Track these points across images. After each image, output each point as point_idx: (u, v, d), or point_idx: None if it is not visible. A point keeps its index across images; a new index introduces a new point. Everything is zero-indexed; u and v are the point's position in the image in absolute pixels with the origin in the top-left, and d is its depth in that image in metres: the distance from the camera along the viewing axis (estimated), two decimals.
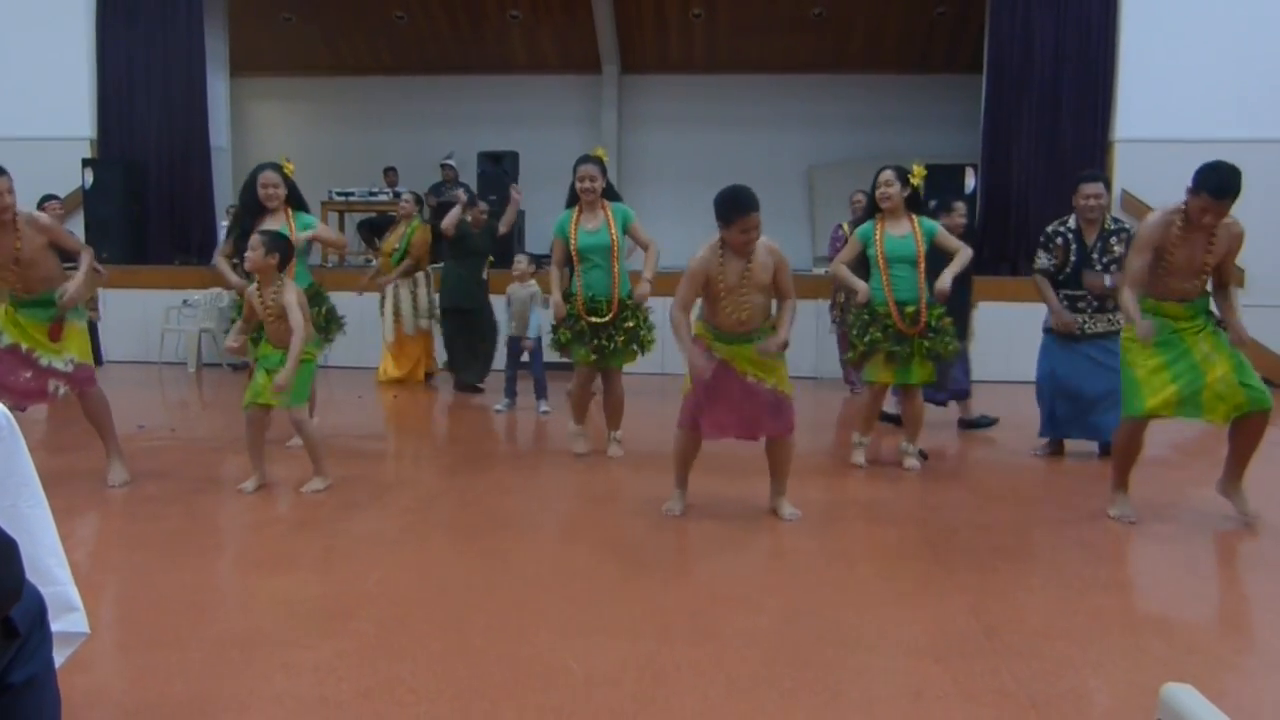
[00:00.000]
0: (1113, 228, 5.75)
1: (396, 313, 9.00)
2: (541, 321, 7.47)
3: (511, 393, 7.82)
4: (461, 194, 7.68)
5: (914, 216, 5.53)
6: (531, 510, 4.89)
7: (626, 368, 5.89)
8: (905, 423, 5.79)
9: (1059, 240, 5.78)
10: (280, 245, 4.80)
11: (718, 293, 4.29)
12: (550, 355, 6.65)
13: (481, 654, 2.88)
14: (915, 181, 5.54)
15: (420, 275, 9.10)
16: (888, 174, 5.53)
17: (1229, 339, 4.36)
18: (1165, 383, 4.35)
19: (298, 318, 4.70)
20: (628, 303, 5.67)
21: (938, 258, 5.52)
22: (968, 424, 7.12)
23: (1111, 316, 5.74)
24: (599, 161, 5.70)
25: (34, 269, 4.76)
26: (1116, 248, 5.66)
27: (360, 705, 2.53)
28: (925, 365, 5.52)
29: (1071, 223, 5.79)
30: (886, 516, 4.74)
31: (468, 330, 8.80)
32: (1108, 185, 5.87)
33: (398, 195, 10.05)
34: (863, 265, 5.60)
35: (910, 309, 5.46)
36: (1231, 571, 4.15)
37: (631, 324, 5.65)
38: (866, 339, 5.48)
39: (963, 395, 7.15)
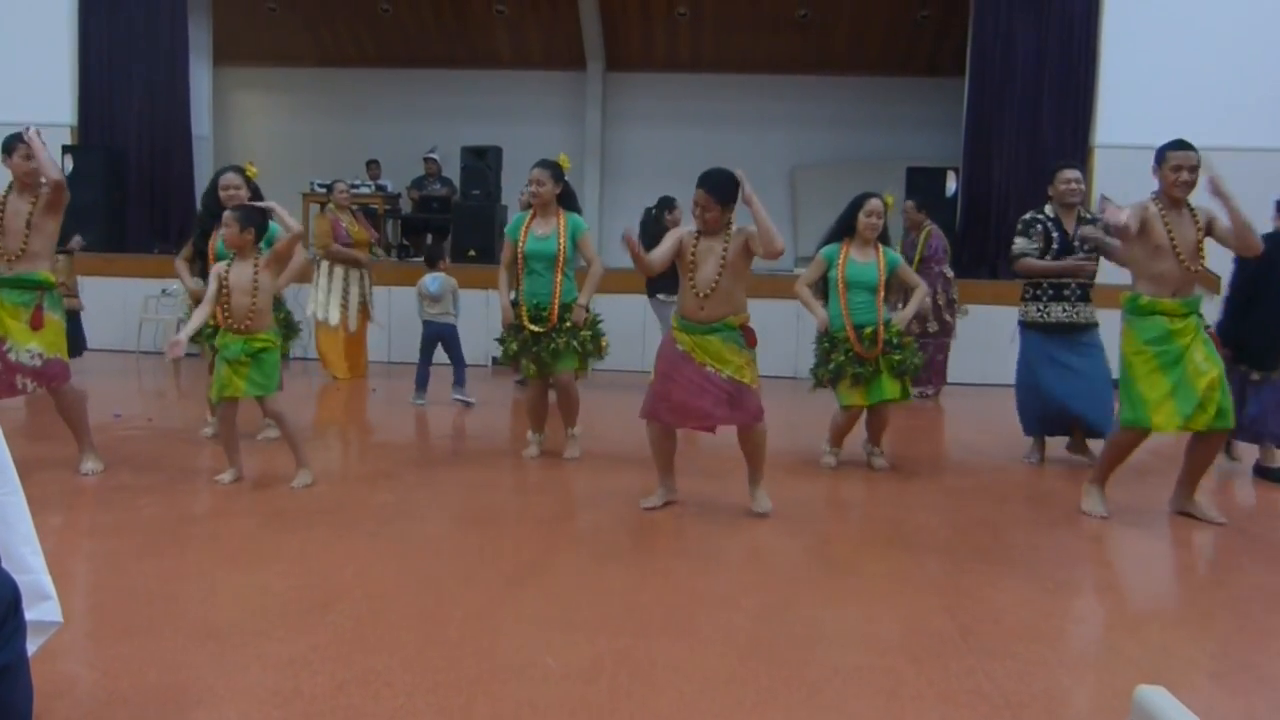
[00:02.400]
0: (1088, 217, 5.80)
1: (360, 304, 8.88)
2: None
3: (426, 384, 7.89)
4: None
5: (880, 246, 5.58)
6: (508, 506, 4.88)
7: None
8: (870, 431, 5.77)
9: (1038, 227, 5.75)
10: (254, 219, 4.79)
11: (687, 263, 4.40)
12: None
13: (457, 648, 2.88)
14: (886, 213, 5.60)
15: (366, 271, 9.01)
16: (879, 204, 5.53)
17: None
18: (1171, 407, 4.38)
19: (265, 283, 4.75)
20: (570, 306, 5.53)
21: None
22: (1266, 472, 5.75)
23: (1092, 307, 5.77)
24: (554, 166, 5.55)
25: (36, 234, 4.77)
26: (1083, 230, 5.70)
27: (335, 698, 2.52)
28: (894, 381, 5.54)
29: (1049, 210, 5.79)
30: (863, 516, 4.76)
31: None
32: (1084, 175, 5.88)
33: (326, 188, 9.75)
34: (822, 286, 5.66)
35: (868, 330, 5.50)
36: (1203, 574, 4.19)
37: (570, 324, 5.51)
38: (831, 365, 5.54)
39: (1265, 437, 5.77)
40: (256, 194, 5.83)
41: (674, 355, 4.44)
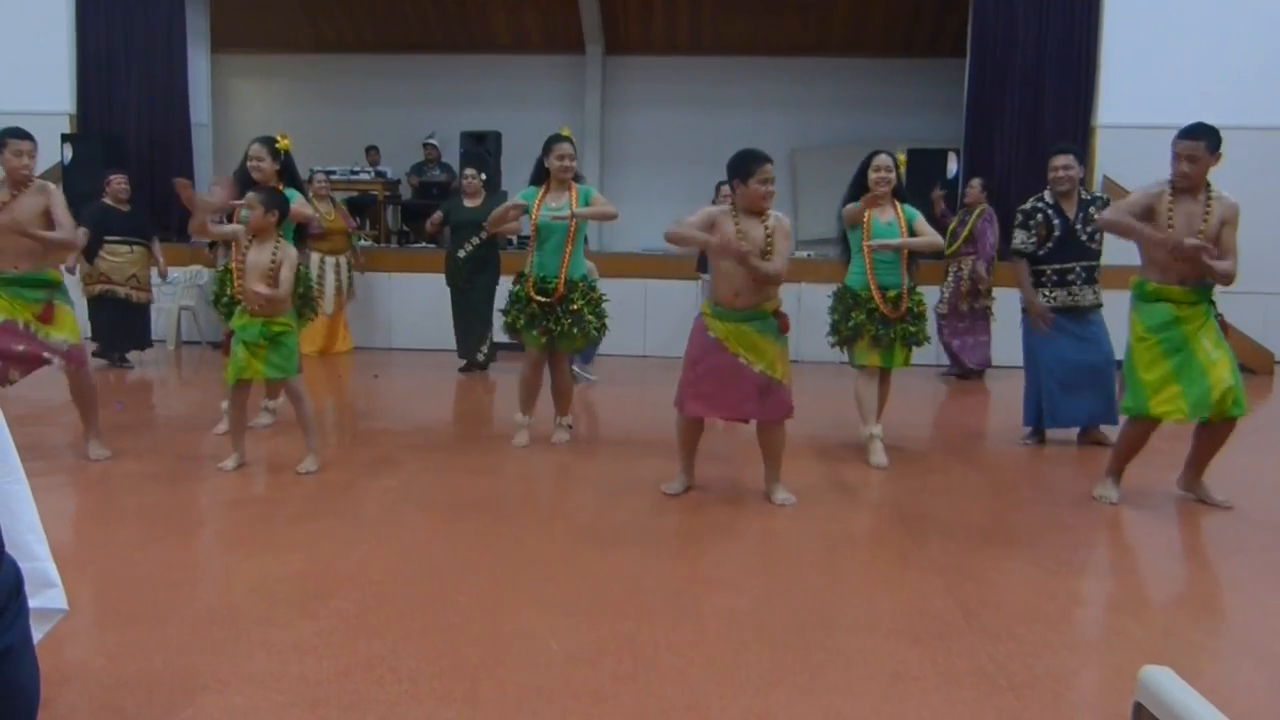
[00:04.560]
0: (1088, 198, 5.75)
1: (337, 289, 9.53)
2: None
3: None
4: None
5: (897, 203, 5.54)
6: (512, 491, 4.89)
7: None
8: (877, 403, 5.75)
9: (1038, 216, 5.70)
10: (277, 201, 4.80)
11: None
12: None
13: (461, 633, 2.89)
14: (900, 170, 5.54)
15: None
16: (886, 159, 5.49)
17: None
18: (1174, 391, 4.37)
19: (287, 275, 4.71)
20: (578, 284, 5.56)
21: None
22: None
23: (1096, 289, 5.76)
24: (572, 141, 5.64)
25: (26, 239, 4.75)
26: (1097, 216, 5.67)
27: (340, 684, 2.53)
28: (904, 350, 5.54)
29: (1048, 197, 5.75)
30: (866, 500, 4.76)
31: None
32: (1080, 159, 5.79)
33: (326, 175, 10.32)
34: (845, 243, 5.64)
35: (892, 293, 5.46)
36: (1207, 555, 4.19)
37: (577, 306, 5.53)
38: (851, 323, 5.49)
39: None
40: (289, 166, 5.72)
41: (705, 342, 4.40)
